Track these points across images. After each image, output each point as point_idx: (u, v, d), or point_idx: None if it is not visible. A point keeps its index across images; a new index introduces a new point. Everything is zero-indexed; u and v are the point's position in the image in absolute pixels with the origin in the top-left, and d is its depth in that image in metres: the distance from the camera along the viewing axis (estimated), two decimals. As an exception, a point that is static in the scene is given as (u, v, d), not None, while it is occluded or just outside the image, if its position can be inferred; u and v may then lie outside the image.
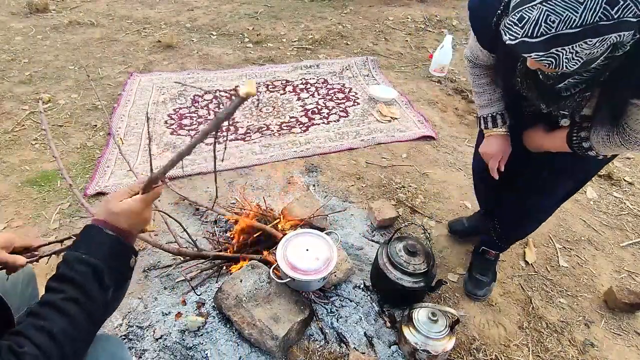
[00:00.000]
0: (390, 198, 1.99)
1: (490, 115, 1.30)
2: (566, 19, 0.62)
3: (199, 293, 1.49)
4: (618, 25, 0.61)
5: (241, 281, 1.39)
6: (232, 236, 1.65)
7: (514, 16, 0.69)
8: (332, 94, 2.81)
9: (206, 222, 1.80)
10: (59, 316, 0.61)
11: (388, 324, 1.44)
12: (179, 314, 1.42)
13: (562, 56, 0.66)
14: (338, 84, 2.94)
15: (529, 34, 0.67)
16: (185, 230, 1.51)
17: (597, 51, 0.66)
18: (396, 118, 2.58)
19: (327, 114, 2.61)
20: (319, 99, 2.76)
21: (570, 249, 1.81)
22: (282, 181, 2.07)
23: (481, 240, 1.63)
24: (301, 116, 2.57)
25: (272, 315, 1.30)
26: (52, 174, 2.02)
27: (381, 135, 2.42)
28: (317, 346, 1.36)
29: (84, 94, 2.67)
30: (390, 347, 1.37)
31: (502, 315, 1.51)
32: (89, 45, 3.27)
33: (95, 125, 2.39)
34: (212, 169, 2.09)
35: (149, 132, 0.87)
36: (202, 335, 1.36)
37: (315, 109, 2.65)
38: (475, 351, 1.39)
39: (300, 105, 2.68)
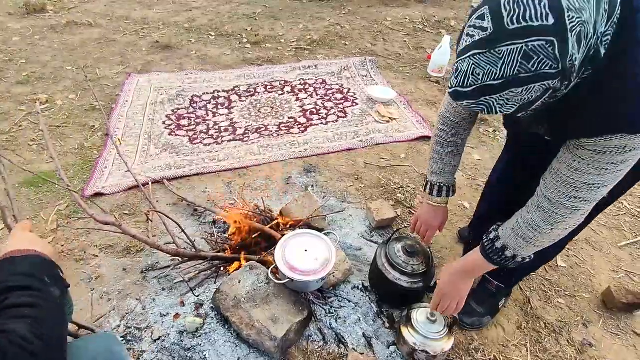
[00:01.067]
0: (389, 198, 1.99)
1: (437, 184, 1.30)
2: (489, 72, 0.65)
3: (197, 294, 1.48)
4: (538, 77, 0.63)
5: (240, 282, 1.39)
6: (230, 237, 1.65)
7: (453, 66, 0.73)
8: (331, 95, 2.81)
9: (204, 222, 1.80)
10: (18, 310, 0.61)
11: (387, 325, 1.43)
12: (177, 315, 1.42)
13: (493, 103, 0.69)
14: (336, 84, 2.94)
15: (460, 84, 0.70)
16: (183, 231, 1.51)
17: (531, 96, 0.67)
18: (394, 118, 2.58)
19: (326, 114, 2.61)
20: (318, 99, 2.76)
21: (569, 249, 1.81)
22: (280, 182, 2.06)
23: None
24: (300, 117, 2.57)
25: (271, 316, 1.30)
26: (50, 175, 2.02)
27: (380, 136, 2.42)
28: (316, 347, 1.35)
29: (81, 94, 2.66)
30: (389, 348, 1.37)
31: (501, 315, 1.51)
32: (87, 46, 3.26)
33: (93, 126, 2.38)
34: (210, 170, 2.09)
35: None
36: (200, 336, 1.35)
37: (313, 110, 2.65)
38: (473, 351, 1.39)
39: (299, 106, 2.68)
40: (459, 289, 1.15)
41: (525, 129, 0.93)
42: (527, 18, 0.60)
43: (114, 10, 3.95)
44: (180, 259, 1.54)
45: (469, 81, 0.68)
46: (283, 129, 2.45)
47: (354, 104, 2.73)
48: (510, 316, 1.52)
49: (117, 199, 1.90)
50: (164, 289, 1.52)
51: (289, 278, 1.30)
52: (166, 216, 1.51)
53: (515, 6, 0.60)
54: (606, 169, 0.79)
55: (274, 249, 1.40)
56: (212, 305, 1.44)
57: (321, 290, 1.50)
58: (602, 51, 0.67)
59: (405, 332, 1.30)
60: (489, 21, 0.63)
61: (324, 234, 1.46)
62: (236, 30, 3.67)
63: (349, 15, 4.13)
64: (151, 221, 1.74)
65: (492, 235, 1.01)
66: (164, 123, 2.45)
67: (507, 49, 0.62)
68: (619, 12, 0.66)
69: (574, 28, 0.60)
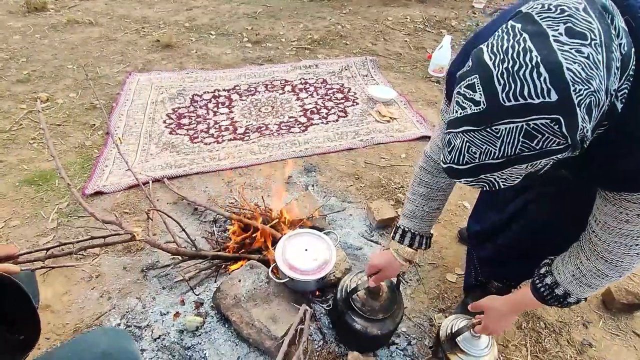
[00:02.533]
0: (389, 198, 1.99)
1: (402, 228, 1.16)
2: (486, 151, 0.57)
3: (197, 293, 1.48)
4: (544, 153, 0.55)
5: (240, 281, 1.39)
6: (230, 236, 1.65)
7: (445, 137, 0.64)
8: (331, 94, 2.81)
9: (205, 221, 1.80)
10: None
11: None
12: (177, 314, 1.42)
13: (496, 179, 0.62)
14: (337, 84, 2.94)
15: (455, 161, 0.62)
16: (183, 229, 1.51)
17: (538, 168, 0.59)
18: (395, 118, 2.58)
19: (326, 114, 2.61)
20: (318, 99, 2.76)
21: (569, 250, 1.81)
22: (280, 181, 2.06)
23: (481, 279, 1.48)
24: (300, 116, 2.57)
25: (271, 315, 1.30)
26: (50, 173, 2.02)
27: (380, 136, 2.42)
28: (316, 346, 1.35)
29: (82, 93, 2.66)
30: (389, 348, 1.37)
31: (501, 315, 1.51)
32: (88, 45, 3.26)
33: (94, 125, 2.38)
34: (210, 169, 2.09)
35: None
36: (200, 335, 1.35)
37: (314, 109, 2.65)
38: (473, 351, 1.39)
39: (299, 105, 2.68)
40: (506, 325, 1.10)
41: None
42: (526, 95, 0.51)
43: (114, 9, 3.94)
44: (180, 258, 1.54)
45: (465, 159, 0.60)
46: (283, 128, 2.45)
47: (355, 104, 2.72)
48: (510, 316, 1.52)
49: (117, 197, 1.90)
50: (164, 288, 1.52)
51: (289, 277, 1.30)
52: (167, 215, 1.51)
53: (511, 80, 0.52)
54: None
55: (274, 248, 1.40)
56: (212, 304, 1.44)
57: (321, 289, 1.50)
58: (619, 105, 0.59)
59: (457, 359, 1.19)
60: (481, 94, 0.55)
61: (324, 233, 1.46)
62: (236, 29, 3.67)
63: (349, 14, 4.13)
64: (151, 220, 1.74)
65: (548, 280, 0.91)
66: (164, 122, 2.45)
67: (506, 128, 0.54)
68: (634, 63, 0.57)
69: (582, 101, 0.51)
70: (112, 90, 2.70)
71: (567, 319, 1.52)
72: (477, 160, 0.59)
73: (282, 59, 3.23)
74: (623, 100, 0.59)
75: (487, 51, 0.56)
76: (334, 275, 1.49)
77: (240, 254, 1.56)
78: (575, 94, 0.50)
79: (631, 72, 0.58)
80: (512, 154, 0.56)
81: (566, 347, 1.44)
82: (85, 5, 3.96)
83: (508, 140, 0.55)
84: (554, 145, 0.54)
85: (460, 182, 0.66)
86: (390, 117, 2.57)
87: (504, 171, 0.59)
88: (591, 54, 0.51)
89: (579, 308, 1.57)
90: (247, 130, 2.41)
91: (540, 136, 0.53)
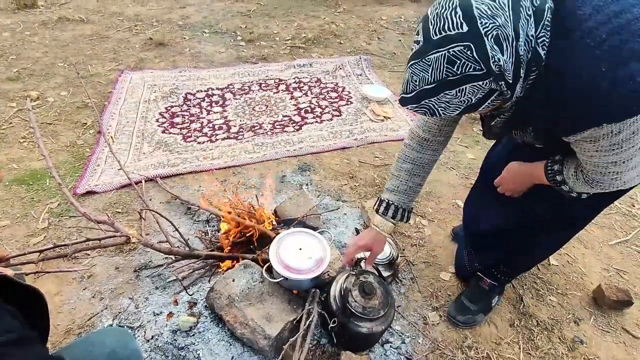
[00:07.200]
0: (383, 197, 1.99)
1: (386, 201, 1.23)
2: (422, 78, 0.74)
3: (190, 293, 1.48)
4: (465, 78, 0.71)
5: (233, 280, 1.38)
6: (224, 235, 1.64)
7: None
8: (325, 93, 2.81)
9: (198, 221, 1.79)
10: None
11: None
12: (170, 314, 1.41)
13: (434, 105, 0.77)
14: (331, 83, 2.94)
15: (405, 91, 0.80)
16: (176, 229, 1.49)
17: (469, 98, 0.74)
18: (389, 117, 2.58)
19: (320, 113, 2.61)
20: (312, 98, 2.75)
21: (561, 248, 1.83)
22: (275, 180, 2.06)
23: (477, 265, 1.53)
24: (294, 115, 2.57)
25: (265, 315, 1.29)
26: (41, 172, 1.99)
27: (374, 135, 2.42)
28: (310, 345, 1.35)
29: (73, 91, 2.63)
30: (382, 346, 1.37)
31: (494, 313, 1.52)
32: (79, 42, 3.22)
33: (85, 123, 2.36)
34: (203, 168, 2.07)
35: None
36: (194, 335, 1.35)
37: (308, 108, 2.64)
38: (467, 349, 1.40)
39: (294, 104, 2.67)
40: (517, 186, 1.19)
41: (500, 136, 0.94)
42: (446, 28, 0.69)
43: (107, 6, 3.90)
44: (173, 258, 1.53)
45: (410, 87, 0.78)
46: (277, 127, 2.44)
47: (349, 103, 2.73)
48: (503, 314, 1.53)
49: (109, 197, 1.88)
50: (157, 288, 1.50)
51: (283, 277, 1.30)
52: (159, 214, 1.50)
53: (438, 20, 0.70)
54: (612, 149, 0.79)
55: (268, 247, 1.40)
56: (205, 304, 1.43)
57: (315, 288, 1.49)
58: (542, 52, 0.72)
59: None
60: (420, 35, 0.73)
61: (319, 232, 1.45)
62: (230, 27, 3.65)
63: (343, 13, 4.13)
64: (144, 219, 1.73)
65: (556, 167, 1.01)
66: (157, 121, 2.43)
67: (435, 57, 0.71)
68: (549, 15, 0.71)
69: (489, 32, 0.67)
70: (104, 89, 2.68)
71: (559, 317, 1.54)
72: (417, 87, 0.76)
73: (276, 58, 3.22)
74: (544, 47, 0.72)
75: (431, 4, 0.74)
76: (328, 274, 1.49)
77: (234, 253, 1.55)
78: (482, 26, 0.67)
79: (547, 22, 0.71)
80: (441, 78, 0.72)
81: (558, 344, 1.45)
82: (77, 2, 3.92)
83: (436, 67, 0.72)
84: (471, 70, 0.70)
85: (408, 108, 0.81)
86: (385, 116, 2.58)
87: (439, 97, 0.76)
88: None
89: (570, 306, 1.58)
90: (241, 129, 2.40)
91: (458, 61, 0.69)
